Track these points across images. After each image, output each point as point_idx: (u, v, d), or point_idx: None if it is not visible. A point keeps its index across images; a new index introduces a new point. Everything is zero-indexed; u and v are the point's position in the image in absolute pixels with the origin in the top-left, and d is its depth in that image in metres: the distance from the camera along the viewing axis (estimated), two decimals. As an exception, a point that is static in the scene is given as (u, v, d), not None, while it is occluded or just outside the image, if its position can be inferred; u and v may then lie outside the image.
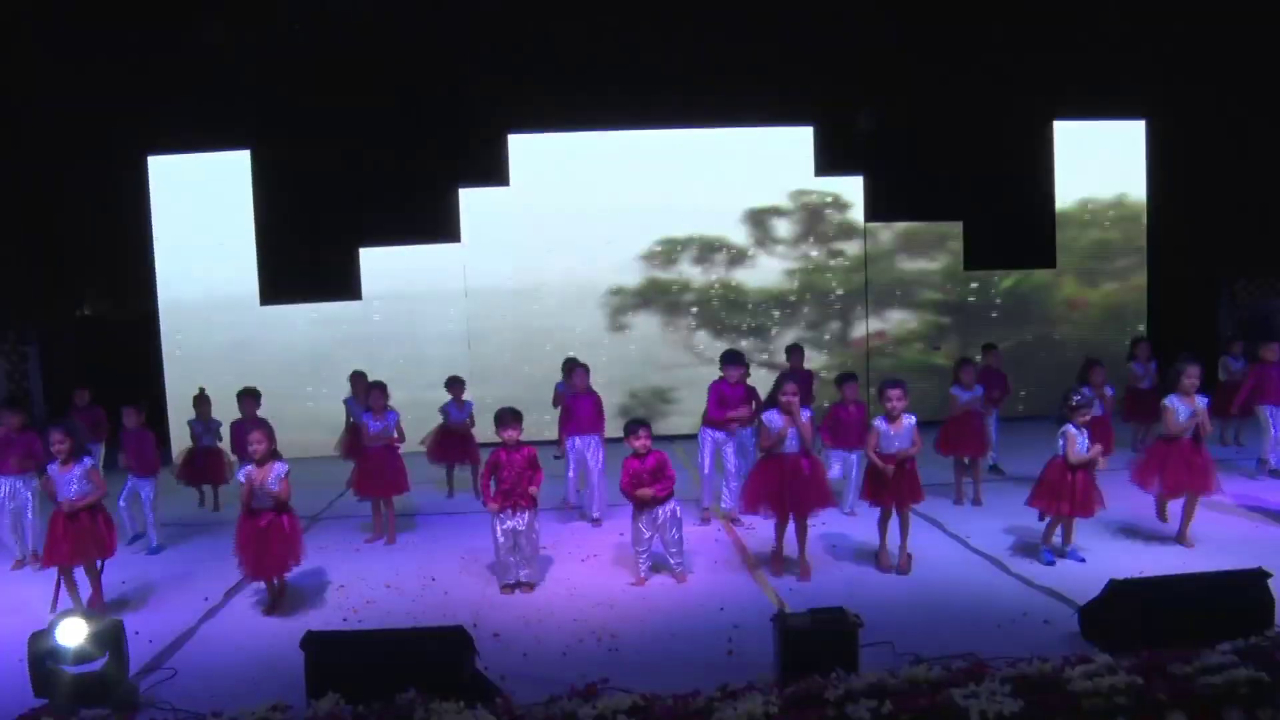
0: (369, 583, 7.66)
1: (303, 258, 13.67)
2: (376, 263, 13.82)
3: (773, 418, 7.37)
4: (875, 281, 14.47)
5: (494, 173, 13.85)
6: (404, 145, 13.50)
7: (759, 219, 14.23)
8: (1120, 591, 5.60)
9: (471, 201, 13.85)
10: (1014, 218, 14.66)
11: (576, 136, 13.92)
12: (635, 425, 7.38)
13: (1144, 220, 15.12)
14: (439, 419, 10.56)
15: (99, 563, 7.06)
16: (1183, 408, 7.77)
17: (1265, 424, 10.25)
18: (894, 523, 7.53)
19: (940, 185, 14.32)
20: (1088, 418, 7.49)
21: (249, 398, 9.51)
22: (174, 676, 5.83)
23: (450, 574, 7.84)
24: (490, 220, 13.80)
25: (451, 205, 13.83)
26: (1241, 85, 14.55)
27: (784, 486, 7.32)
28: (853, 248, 14.42)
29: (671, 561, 7.42)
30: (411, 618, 6.79)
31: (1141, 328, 14.77)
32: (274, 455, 6.99)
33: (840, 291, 14.42)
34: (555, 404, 10.64)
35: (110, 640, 5.30)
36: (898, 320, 14.63)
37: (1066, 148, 14.89)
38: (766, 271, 14.29)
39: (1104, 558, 7.59)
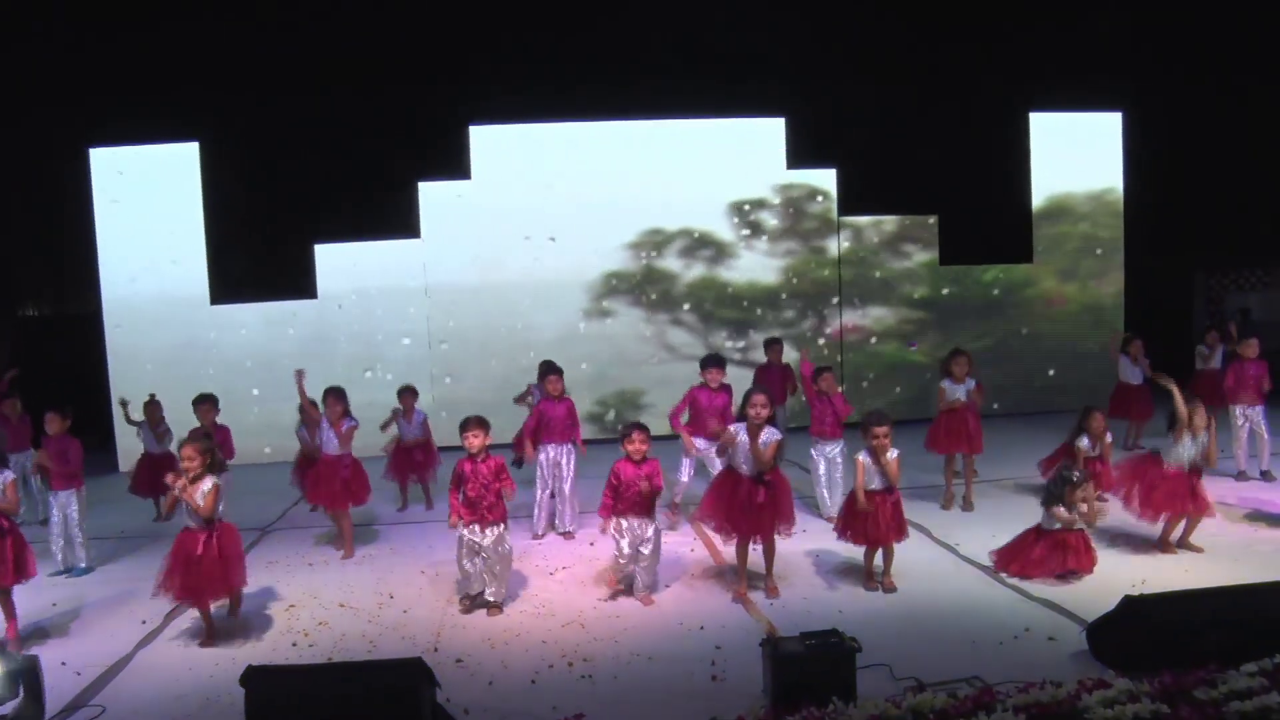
0: (322, 601, 7.12)
1: (255, 255, 13.04)
2: (333, 260, 13.23)
3: (739, 432, 6.84)
4: (850, 276, 14.08)
5: (455, 166, 13.32)
6: (361, 137, 12.90)
7: (730, 212, 13.78)
8: (1134, 608, 5.19)
9: (431, 196, 13.30)
10: (990, 212, 14.36)
11: (540, 128, 13.42)
12: (631, 429, 6.88)
13: (1121, 213, 14.83)
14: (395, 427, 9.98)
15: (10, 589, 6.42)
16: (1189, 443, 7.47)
17: (1235, 425, 9.89)
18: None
19: (915, 178, 14.00)
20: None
21: (207, 404, 8.83)
22: (101, 715, 5.27)
23: (410, 591, 7.32)
24: (451, 215, 13.26)
25: (411, 200, 13.27)
26: (1218, 77, 14.35)
27: (735, 508, 6.82)
28: (830, 242, 14.01)
29: (640, 581, 6.92)
30: (367, 640, 6.28)
31: (1119, 327, 14.50)
32: (213, 469, 6.39)
33: (818, 286, 14.01)
34: (521, 400, 9.89)
35: (24, 679, 4.74)
36: (875, 316, 14.25)
37: (1042, 141, 14.57)
38: (739, 266, 13.84)
39: (1100, 567, 7.18)
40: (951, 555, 7.76)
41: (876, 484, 6.87)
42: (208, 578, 6.27)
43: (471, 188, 13.31)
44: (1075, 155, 14.60)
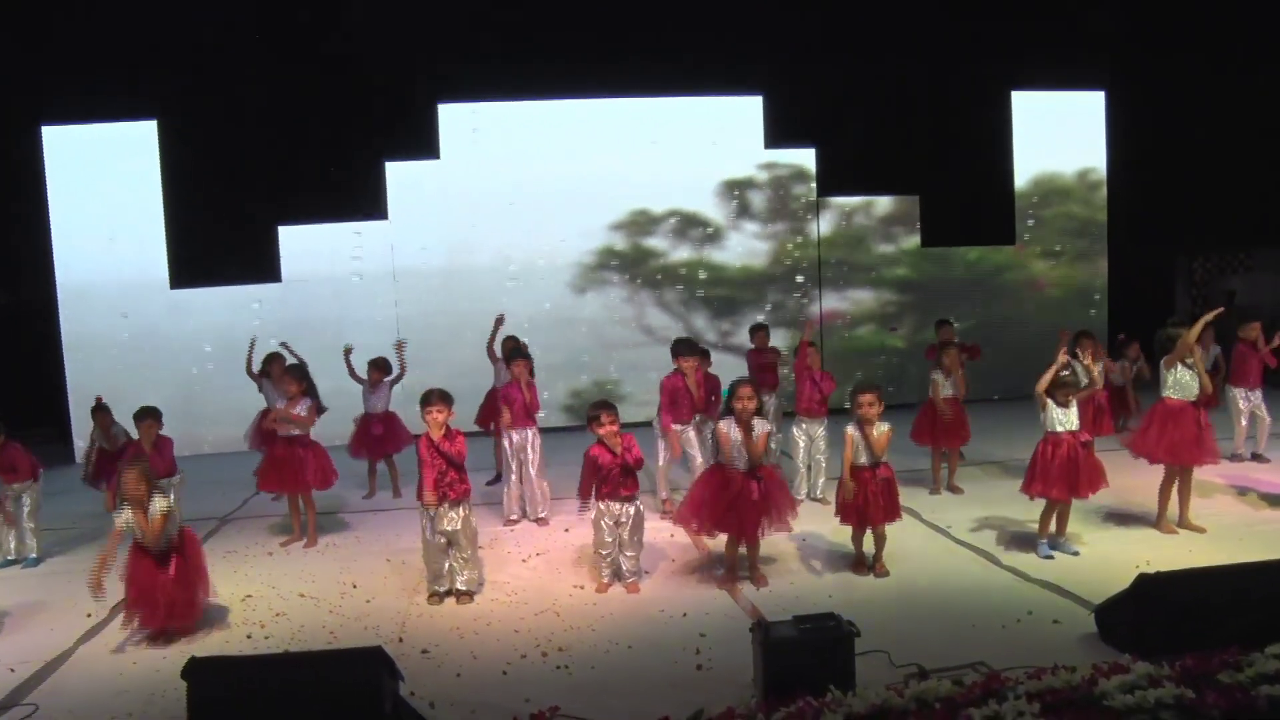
0: (280, 592, 6.69)
1: (216, 237, 12.49)
2: (297, 242, 12.75)
3: (730, 428, 6.43)
4: (830, 258, 13.75)
5: (423, 145, 12.86)
6: (326, 115, 12.43)
7: (707, 192, 13.41)
8: (1149, 587, 4.86)
9: (399, 176, 12.84)
10: (972, 192, 14.07)
11: (511, 106, 12.99)
12: (598, 409, 6.46)
13: (1105, 195, 14.60)
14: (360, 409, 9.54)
15: None
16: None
17: (1234, 409, 9.61)
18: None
19: (896, 158, 13.70)
20: (1070, 395, 6.81)
21: (149, 421, 7.81)
22: (33, 714, 4.84)
23: (374, 579, 6.90)
24: (419, 196, 12.81)
25: (377, 180, 12.81)
26: (1202, 58, 14.10)
27: (727, 506, 6.37)
28: (809, 223, 13.67)
29: (624, 567, 6.54)
30: (327, 632, 5.87)
31: (1094, 313, 14.31)
32: (156, 490, 5.90)
33: (798, 267, 13.67)
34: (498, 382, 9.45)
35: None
36: (855, 299, 13.93)
37: (1025, 120, 14.30)
38: (717, 248, 13.48)
39: (1097, 548, 6.90)
40: (944, 538, 7.42)
41: (865, 459, 6.52)
42: (173, 602, 5.80)
43: (440, 168, 12.86)
44: (1058, 135, 14.34)
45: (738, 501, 6.29)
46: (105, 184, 12.38)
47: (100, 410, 8.65)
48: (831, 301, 13.81)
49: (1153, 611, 4.78)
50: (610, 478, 6.37)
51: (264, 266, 12.76)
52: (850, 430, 6.53)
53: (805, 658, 4.40)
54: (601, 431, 6.38)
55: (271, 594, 6.65)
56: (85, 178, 12.38)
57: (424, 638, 5.68)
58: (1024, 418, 10.51)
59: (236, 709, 4.06)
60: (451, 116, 12.91)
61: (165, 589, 5.74)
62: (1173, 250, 16.45)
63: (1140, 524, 7.43)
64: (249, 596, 6.59)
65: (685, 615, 5.90)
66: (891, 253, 13.98)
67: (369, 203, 12.79)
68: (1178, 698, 4.07)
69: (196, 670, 4.17)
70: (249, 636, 5.84)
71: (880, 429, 6.51)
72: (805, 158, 13.65)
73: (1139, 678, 4.23)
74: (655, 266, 13.36)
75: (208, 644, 5.74)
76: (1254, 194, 14.95)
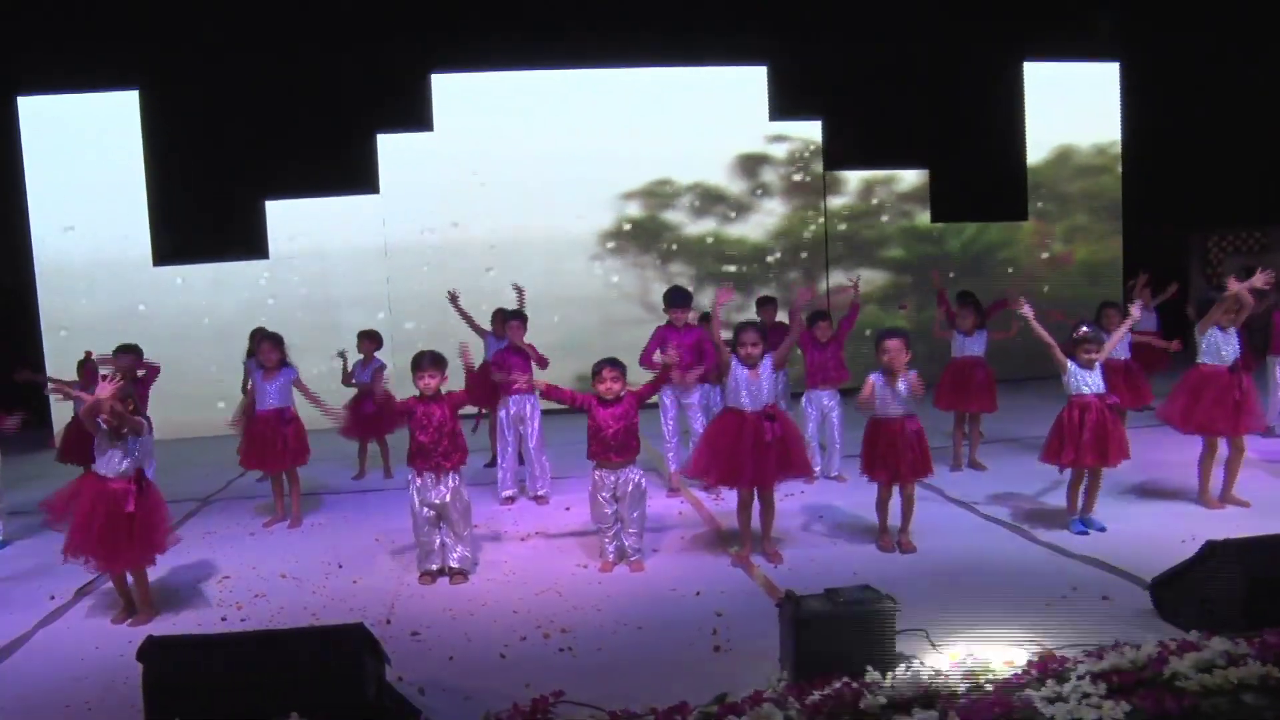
0: (261, 572, 6.21)
1: (201, 212, 12.05)
2: (285, 218, 12.26)
3: (736, 366, 5.99)
4: (835, 234, 13.27)
5: (415, 117, 12.38)
6: (315, 85, 11.94)
7: (709, 165, 12.92)
8: (1218, 557, 4.38)
9: (391, 149, 12.35)
10: (983, 166, 13.60)
11: (506, 76, 12.52)
12: (601, 365, 6.01)
13: (1119, 171, 14.13)
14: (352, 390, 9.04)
15: None
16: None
17: (1272, 379, 9.16)
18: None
19: (905, 131, 13.25)
20: (1094, 354, 6.33)
21: (131, 357, 7.57)
22: (-21, 702, 4.36)
23: (361, 559, 6.42)
24: (411, 169, 12.31)
25: (369, 153, 12.32)
26: (1218, 30, 13.67)
27: (740, 451, 5.91)
28: (798, 191, 13.17)
29: (627, 544, 6.05)
30: (309, 613, 5.39)
31: (1118, 286, 13.81)
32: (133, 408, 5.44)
33: (801, 244, 13.19)
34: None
35: None
36: (863, 276, 13.39)
37: (1038, 92, 13.83)
38: (719, 223, 13.00)
39: (1136, 524, 6.42)
40: (971, 513, 6.95)
41: (895, 409, 6.04)
42: (131, 541, 5.30)
43: (434, 140, 12.36)
44: (1073, 108, 13.87)
45: (753, 443, 5.85)
46: (85, 157, 11.90)
47: (88, 365, 8.16)
48: (835, 280, 13.31)
49: (1222, 583, 4.31)
50: (608, 440, 5.90)
51: (251, 243, 12.29)
52: (872, 379, 6.06)
53: (840, 635, 3.93)
54: (601, 388, 5.92)
55: (251, 574, 6.17)
56: (64, 150, 11.90)
57: (414, 619, 5.21)
58: (1035, 397, 10.14)
59: (197, 693, 3.57)
60: (445, 87, 12.41)
61: (122, 524, 5.23)
62: (1186, 228, 16.05)
63: (1177, 499, 6.97)
64: (226, 577, 6.11)
65: (699, 594, 5.43)
66: (895, 228, 13.49)
67: (360, 176, 12.31)
68: (1262, 677, 3.60)
69: (153, 651, 3.68)
70: (224, 619, 5.36)
71: (909, 374, 6.05)
72: (812, 130, 13.15)
73: (1214, 654, 3.77)
74: (658, 241, 12.86)
75: (178, 625, 5.25)
76: (1270, 173, 14.56)
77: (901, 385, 5.98)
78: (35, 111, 11.89)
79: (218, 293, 12.14)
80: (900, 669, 3.89)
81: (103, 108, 11.97)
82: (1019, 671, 3.85)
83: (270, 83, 11.85)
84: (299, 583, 5.97)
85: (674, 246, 12.89)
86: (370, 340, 8.94)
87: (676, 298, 7.90)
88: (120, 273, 12.02)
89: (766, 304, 9.86)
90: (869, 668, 3.86)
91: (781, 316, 10.51)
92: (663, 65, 12.77)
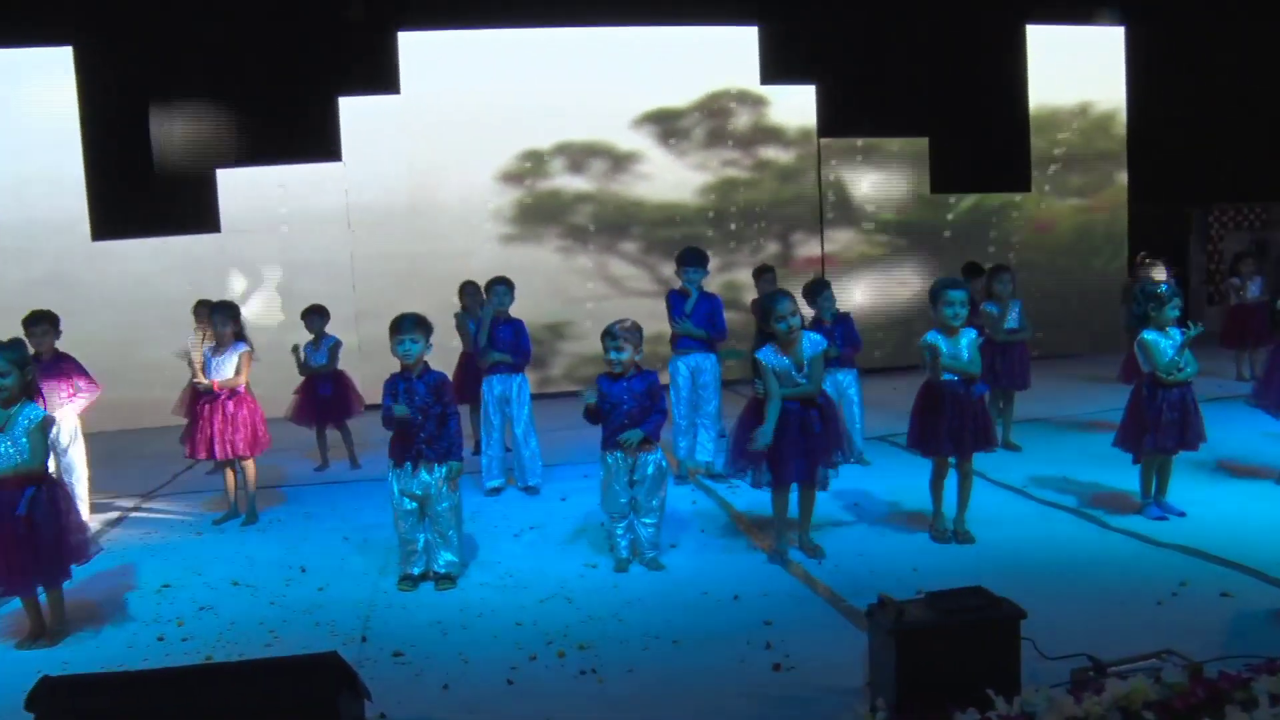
0: (208, 579, 5.24)
1: (146, 180, 11.03)
2: (239, 186, 11.18)
3: (769, 357, 5.10)
4: (822, 199, 12.44)
5: (381, 79, 11.33)
6: (272, 45, 10.97)
7: (690, 128, 12.00)
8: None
9: (354, 113, 11.32)
10: (984, 134, 12.84)
11: (480, 35, 11.51)
12: (605, 334, 5.12)
13: (1124, 139, 13.44)
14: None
15: None
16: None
17: None
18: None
19: (903, 97, 12.49)
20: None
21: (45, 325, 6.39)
22: None
23: (328, 562, 5.46)
24: (377, 135, 11.29)
25: (330, 117, 11.27)
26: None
27: (786, 444, 5.02)
28: (786, 157, 12.30)
29: (643, 536, 5.14)
30: (266, 630, 4.45)
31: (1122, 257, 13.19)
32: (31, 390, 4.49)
33: (789, 210, 12.35)
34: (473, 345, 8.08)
35: None
36: (844, 243, 12.60)
37: (1040, 57, 13.10)
38: (690, 186, 12.06)
39: (1218, 508, 5.63)
40: (1025, 498, 6.13)
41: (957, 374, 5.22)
42: (35, 554, 4.32)
43: (401, 103, 11.37)
44: (1075, 73, 13.15)
45: (799, 437, 4.99)
46: (13, 118, 10.75)
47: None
48: (820, 248, 12.49)
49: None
50: (616, 418, 5.03)
51: (201, 214, 11.21)
52: (931, 339, 5.21)
53: (954, 650, 3.07)
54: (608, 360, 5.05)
55: (196, 582, 5.20)
56: (-10, 109, 10.76)
57: (396, 635, 4.28)
58: (1052, 372, 9.39)
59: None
60: (413, 46, 11.41)
61: (19, 540, 4.24)
62: (1187, 202, 15.49)
63: (1252, 478, 6.19)
64: (166, 586, 5.13)
65: (737, 598, 4.55)
66: (887, 196, 12.70)
67: (321, 142, 11.27)
68: None
69: (46, 697, 2.73)
70: (161, 638, 4.40)
71: (968, 335, 5.22)
72: (800, 95, 12.31)
73: None
74: (629, 208, 11.93)
75: (102, 650, 4.30)
76: (1276, 146, 14.01)
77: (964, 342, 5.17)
78: (-42, 70, 10.74)
79: (163, 267, 11.04)
80: (1030, 693, 3.05)
81: (33, 64, 10.80)
82: (1181, 694, 3.01)
83: (222, 41, 10.85)
84: (254, 591, 5.01)
85: (656, 210, 11.98)
86: (318, 315, 7.94)
87: (689, 256, 6.97)
88: (54, 245, 10.87)
89: (764, 273, 9.03)
90: (991, 692, 3.02)
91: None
92: (648, 24, 11.87)
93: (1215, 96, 13.76)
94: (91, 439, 8.86)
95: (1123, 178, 13.45)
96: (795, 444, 4.97)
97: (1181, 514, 5.56)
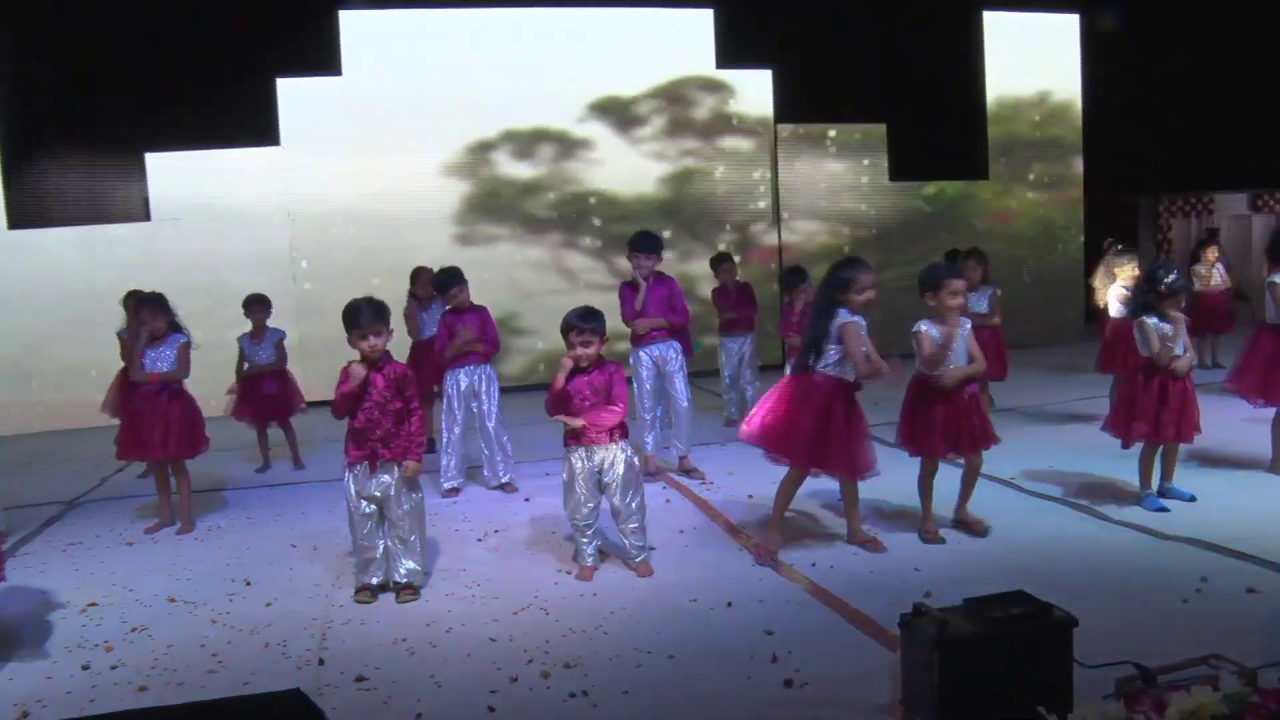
0: (140, 596, 4.72)
1: (69, 166, 10.42)
2: (169, 173, 10.54)
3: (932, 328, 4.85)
4: (779, 189, 12.14)
5: (321, 59, 10.77)
6: (206, 23, 10.40)
7: (641, 114, 11.61)
8: None
9: (293, 95, 10.74)
10: (942, 121, 12.66)
11: (426, 14, 11.01)
12: (567, 326, 4.69)
13: (1080, 128, 13.34)
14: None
15: None
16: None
17: None
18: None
19: (860, 82, 12.27)
20: (1179, 305, 5.28)
21: None
22: None
23: (275, 574, 4.97)
24: (317, 118, 10.72)
25: (267, 99, 10.69)
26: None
27: (832, 432, 4.75)
28: (745, 145, 11.98)
29: (627, 543, 4.77)
30: (208, 654, 3.96)
31: (1079, 244, 13.12)
32: None
33: (744, 199, 12.02)
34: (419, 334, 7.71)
35: None
36: (806, 233, 12.31)
37: (997, 45, 12.94)
38: (645, 175, 11.68)
39: (1219, 499, 5.38)
40: (1017, 491, 5.85)
41: (961, 361, 4.89)
42: None
43: (342, 85, 10.82)
44: (1030, 61, 13.03)
45: (844, 425, 4.73)
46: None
47: None
48: (787, 236, 12.19)
49: None
50: (582, 409, 4.63)
51: (128, 203, 10.62)
52: (925, 327, 4.88)
53: (1002, 664, 2.72)
54: (572, 355, 4.64)
55: (127, 599, 4.68)
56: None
57: (357, 656, 3.83)
58: (1015, 361, 9.18)
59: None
60: (355, 26, 10.87)
61: None
62: (1138, 191, 15.54)
63: (1247, 468, 5.98)
64: (93, 605, 4.60)
65: (730, 605, 4.17)
66: (846, 185, 12.45)
67: (258, 126, 10.68)
68: None
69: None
70: (86, 667, 3.88)
71: (965, 326, 4.91)
72: (755, 80, 11.99)
73: None
74: (583, 198, 11.51)
75: (19, 682, 3.79)
76: (1223, 135, 14.08)
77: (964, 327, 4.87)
78: None
79: (87, 260, 10.36)
80: (1085, 708, 2.72)
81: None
82: (1250, 705, 2.70)
83: (153, 20, 10.27)
84: (192, 609, 4.51)
85: (610, 201, 11.57)
86: (259, 306, 7.42)
87: (640, 242, 6.55)
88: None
89: (724, 261, 8.68)
90: (1042, 710, 2.68)
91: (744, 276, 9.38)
92: (601, 5, 11.49)
93: (1165, 86, 13.78)
94: (11, 442, 8.32)
95: (1079, 166, 13.37)
96: (839, 433, 4.73)
97: (1192, 499, 5.34)
